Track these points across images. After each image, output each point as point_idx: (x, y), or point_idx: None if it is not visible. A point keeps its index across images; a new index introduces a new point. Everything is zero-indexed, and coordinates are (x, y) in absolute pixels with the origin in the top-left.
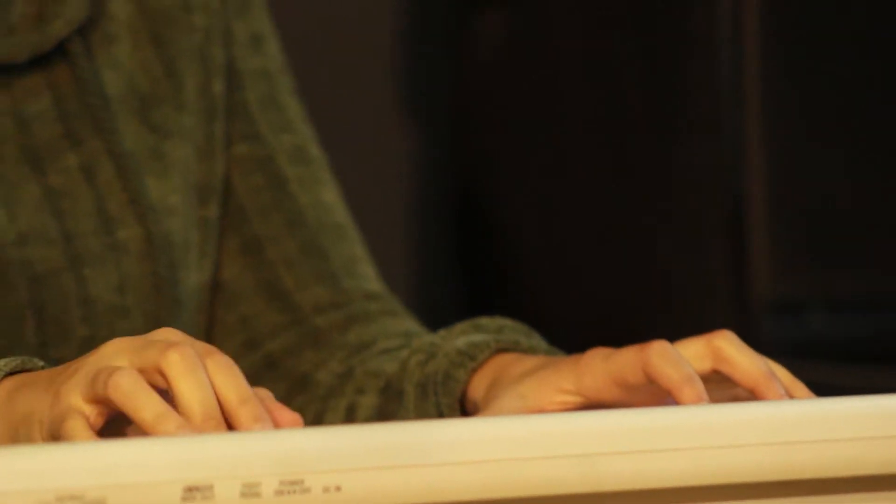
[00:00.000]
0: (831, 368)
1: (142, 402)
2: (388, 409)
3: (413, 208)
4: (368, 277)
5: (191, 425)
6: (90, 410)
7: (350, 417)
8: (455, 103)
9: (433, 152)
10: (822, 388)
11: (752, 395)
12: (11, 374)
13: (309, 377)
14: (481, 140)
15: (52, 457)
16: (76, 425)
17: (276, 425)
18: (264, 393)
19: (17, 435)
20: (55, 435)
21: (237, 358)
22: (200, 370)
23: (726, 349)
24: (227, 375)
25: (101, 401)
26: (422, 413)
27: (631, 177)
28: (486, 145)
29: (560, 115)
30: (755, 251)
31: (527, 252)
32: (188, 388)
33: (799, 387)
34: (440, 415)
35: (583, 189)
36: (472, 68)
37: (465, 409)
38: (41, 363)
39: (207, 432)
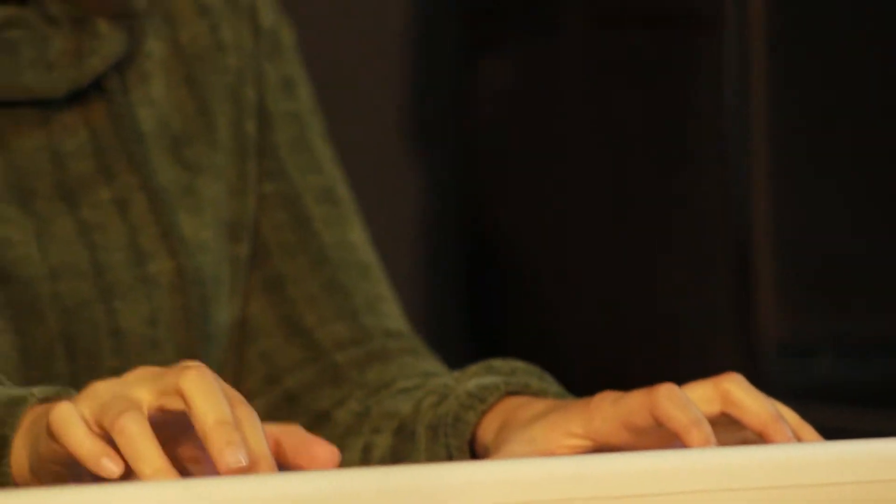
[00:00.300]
0: (839, 411)
1: (142, 453)
2: (402, 449)
3: (421, 240)
4: (391, 316)
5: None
6: (92, 427)
7: (366, 457)
8: (463, 137)
9: (441, 185)
10: (829, 432)
11: (760, 438)
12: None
13: (328, 414)
14: (489, 174)
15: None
16: (70, 416)
17: (313, 460)
18: (295, 428)
19: (38, 453)
20: (48, 430)
21: (257, 394)
22: (215, 383)
23: (734, 392)
24: (250, 423)
25: (103, 429)
26: (433, 455)
27: (637, 218)
28: (494, 179)
29: (566, 152)
30: (762, 293)
31: (532, 287)
32: (202, 397)
33: (807, 430)
34: (450, 457)
35: (588, 229)
36: (481, 103)
37: (475, 451)
38: (76, 393)
39: (217, 437)
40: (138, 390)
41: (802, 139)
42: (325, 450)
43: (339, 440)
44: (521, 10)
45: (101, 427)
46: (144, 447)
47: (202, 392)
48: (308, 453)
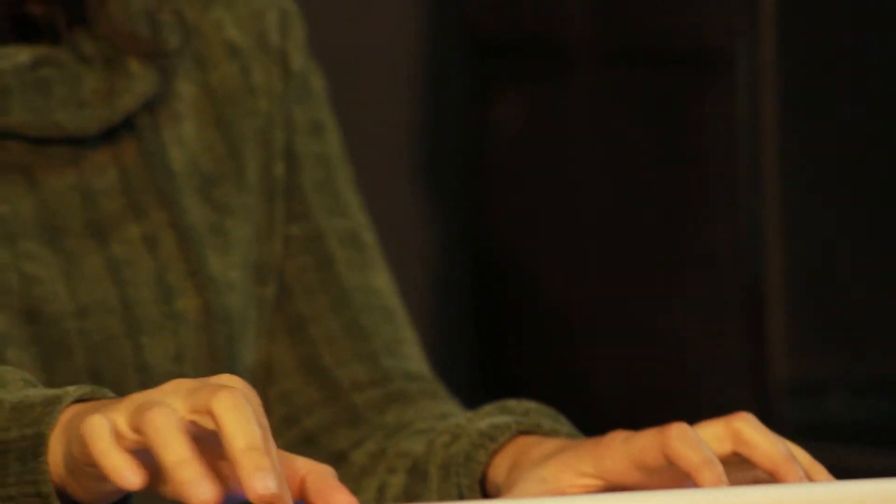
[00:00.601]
0: (851, 451)
1: (169, 443)
2: (415, 489)
3: (430, 276)
4: (412, 358)
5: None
6: (127, 434)
7: (381, 497)
8: (474, 174)
9: (451, 222)
10: (841, 471)
11: (771, 478)
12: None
13: (345, 455)
14: (499, 212)
15: None
16: (101, 424)
17: None
18: (326, 470)
19: (71, 454)
20: (79, 438)
21: (277, 434)
22: (248, 408)
23: (746, 431)
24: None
25: (137, 431)
26: (444, 494)
27: (648, 257)
28: (503, 217)
29: (577, 190)
30: (773, 333)
31: (542, 323)
32: (233, 420)
33: (818, 469)
34: (461, 496)
35: (599, 267)
36: (491, 140)
37: (486, 491)
38: (111, 393)
39: (247, 462)
40: (172, 400)
41: (814, 180)
42: (344, 499)
43: (356, 481)
44: (533, 48)
45: (133, 428)
46: (171, 437)
47: (234, 415)
48: (326, 499)
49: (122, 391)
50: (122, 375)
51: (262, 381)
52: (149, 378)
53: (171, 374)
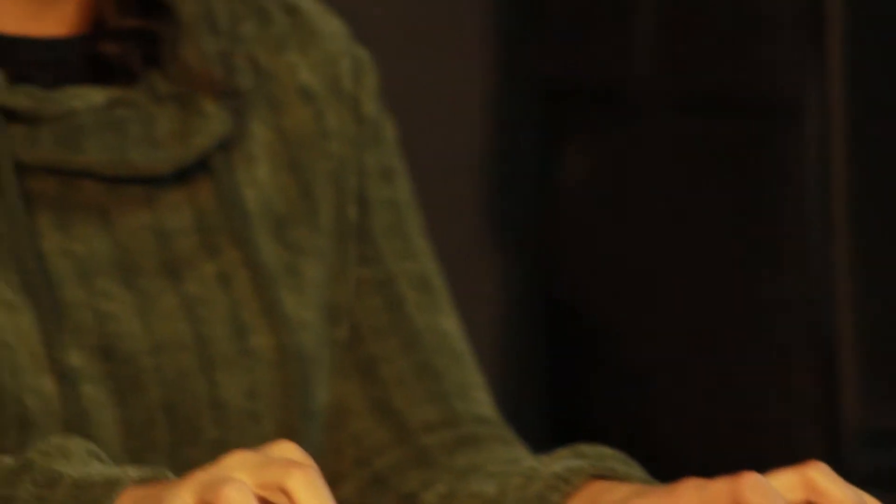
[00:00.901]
0: None
1: None
2: None
3: (502, 327)
4: (482, 402)
5: None
6: None
7: None
8: (544, 223)
9: (522, 273)
10: None
11: None
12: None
13: (415, 497)
14: (569, 262)
15: None
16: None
17: None
18: None
19: None
20: None
21: (348, 476)
22: (323, 486)
23: (819, 480)
24: None
25: None
26: None
27: (719, 305)
28: (574, 267)
29: (646, 243)
30: (845, 382)
31: (612, 372)
32: (310, 499)
33: None
34: None
35: (669, 317)
36: (561, 189)
37: None
38: (171, 475)
39: None
40: (240, 475)
41: (884, 227)
42: None
43: None
44: (601, 96)
45: None
46: None
47: (311, 493)
48: None
49: (196, 427)
50: (196, 411)
51: (333, 422)
52: (222, 414)
53: (244, 411)
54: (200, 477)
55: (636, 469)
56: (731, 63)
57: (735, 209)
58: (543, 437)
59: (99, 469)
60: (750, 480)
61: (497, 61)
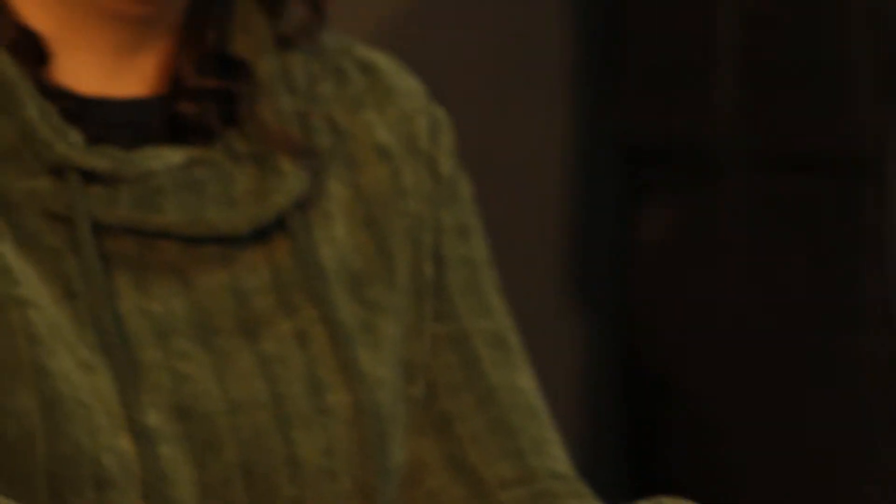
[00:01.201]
0: None
1: None
2: None
3: (581, 387)
4: (557, 458)
5: None
6: None
7: None
8: (624, 283)
9: (601, 333)
10: None
11: None
12: None
13: None
14: (649, 320)
15: None
16: None
17: None
18: None
19: None
20: None
21: None
22: None
23: None
24: None
25: None
26: None
27: (800, 366)
28: (654, 325)
29: (726, 302)
30: None
31: (691, 427)
32: None
33: None
34: None
35: (749, 378)
36: (642, 247)
37: None
38: None
39: None
40: None
41: None
42: None
43: None
44: (683, 156)
45: None
46: None
47: None
48: None
49: (273, 485)
50: (273, 470)
51: (410, 479)
52: (300, 472)
53: (321, 469)
54: None
55: None
56: (813, 121)
57: (816, 267)
58: (621, 496)
59: None
60: None
61: (578, 121)
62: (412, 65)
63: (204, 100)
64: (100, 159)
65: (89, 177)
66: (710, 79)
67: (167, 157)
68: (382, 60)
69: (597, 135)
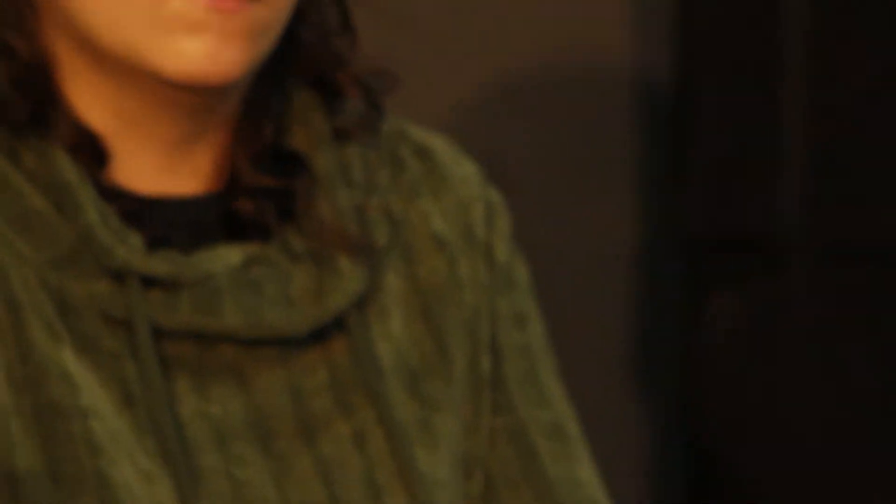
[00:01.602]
0: None
1: None
2: None
3: (643, 481)
4: None
5: None
6: None
7: None
8: (688, 375)
9: (664, 427)
10: None
11: None
12: None
13: None
14: (714, 411)
15: None
16: None
17: None
18: None
19: None
20: None
21: None
22: None
23: None
24: None
25: None
26: None
27: (868, 460)
28: (717, 421)
29: (792, 394)
30: None
31: None
32: None
33: None
34: None
35: (814, 472)
36: (705, 340)
37: None
38: None
39: None
40: None
41: None
42: None
43: None
44: (749, 247)
45: None
46: None
47: None
48: None
49: None
50: None
51: None
52: None
53: None
54: None
55: None
56: (876, 212)
57: (882, 359)
58: None
59: None
60: None
61: (643, 212)
62: (480, 154)
63: (261, 197)
64: (160, 264)
65: (149, 281)
66: (775, 170)
67: (225, 258)
68: (438, 144)
69: (662, 225)
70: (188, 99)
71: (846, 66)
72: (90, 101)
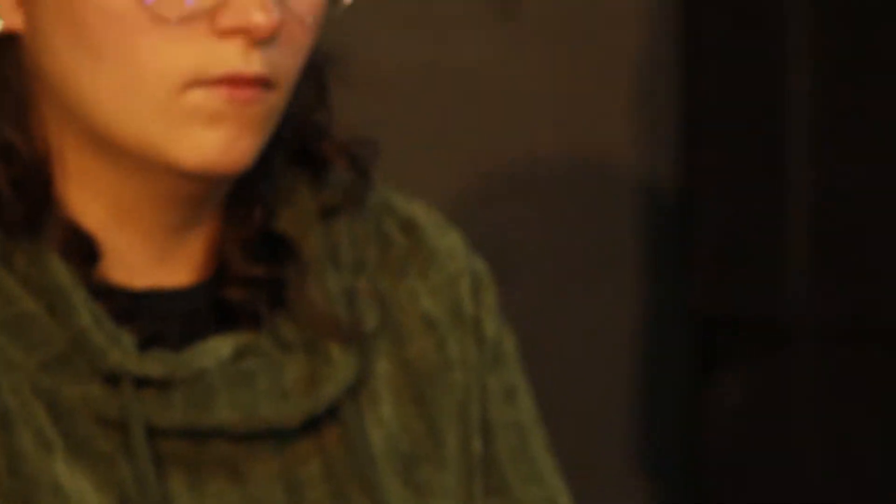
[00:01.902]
0: None
1: None
2: None
3: None
4: None
5: None
6: None
7: None
8: (692, 450)
9: (670, 501)
10: None
11: None
12: None
13: None
14: (719, 491)
15: None
16: None
17: None
18: None
19: None
20: None
21: None
22: None
23: None
24: None
25: None
26: None
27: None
28: (723, 495)
29: (801, 472)
30: None
31: None
32: None
33: None
34: None
35: None
36: (711, 415)
37: None
38: None
39: None
40: None
41: None
42: None
43: None
44: (755, 324)
45: None
46: None
47: None
48: None
49: None
50: None
51: None
52: None
53: None
54: None
55: None
56: (883, 292)
57: (885, 439)
58: None
59: None
60: None
61: (651, 290)
62: (488, 238)
63: (251, 286)
64: (153, 365)
65: (142, 381)
66: (781, 250)
67: (216, 351)
68: (422, 215)
69: (669, 304)
70: (191, 188)
71: (849, 150)
72: (87, 196)
